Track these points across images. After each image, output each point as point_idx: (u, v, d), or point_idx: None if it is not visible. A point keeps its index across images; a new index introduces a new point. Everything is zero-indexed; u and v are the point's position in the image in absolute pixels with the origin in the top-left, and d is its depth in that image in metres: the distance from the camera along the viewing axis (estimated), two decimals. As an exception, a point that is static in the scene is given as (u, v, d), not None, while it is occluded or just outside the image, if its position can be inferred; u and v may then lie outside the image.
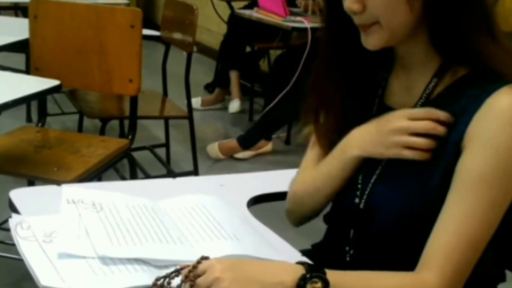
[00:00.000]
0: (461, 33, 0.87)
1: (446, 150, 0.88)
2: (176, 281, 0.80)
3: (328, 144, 1.02)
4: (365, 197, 0.96)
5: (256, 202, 1.16)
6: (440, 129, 0.88)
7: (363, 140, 0.95)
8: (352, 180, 0.98)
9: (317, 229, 1.12)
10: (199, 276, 0.79)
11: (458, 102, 0.88)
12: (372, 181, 0.95)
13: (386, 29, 0.89)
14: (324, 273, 0.80)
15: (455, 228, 0.84)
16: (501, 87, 0.85)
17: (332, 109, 1.01)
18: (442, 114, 0.89)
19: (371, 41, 0.91)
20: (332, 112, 1.01)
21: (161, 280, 0.81)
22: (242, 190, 1.16)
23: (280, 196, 1.15)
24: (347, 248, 0.98)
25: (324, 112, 1.02)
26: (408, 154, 0.90)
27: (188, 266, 0.81)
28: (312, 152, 1.06)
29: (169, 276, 0.81)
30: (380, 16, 0.88)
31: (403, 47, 0.94)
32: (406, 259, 0.89)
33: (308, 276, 0.80)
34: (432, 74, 0.92)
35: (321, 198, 1.03)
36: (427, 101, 0.92)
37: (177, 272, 0.81)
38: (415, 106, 0.93)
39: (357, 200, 0.97)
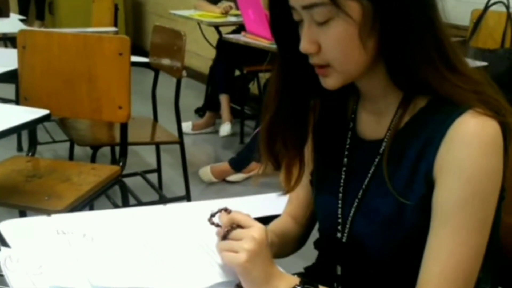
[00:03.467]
0: (416, 67, 0.86)
1: (417, 181, 0.88)
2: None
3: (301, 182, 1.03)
4: (346, 230, 0.96)
5: (247, 226, 1.15)
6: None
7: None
8: (330, 215, 0.98)
9: (311, 251, 1.12)
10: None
11: (425, 131, 0.88)
12: (351, 214, 0.96)
13: (340, 71, 0.89)
14: (317, 286, 0.82)
15: (444, 258, 0.85)
16: (463, 113, 0.85)
17: (300, 149, 1.00)
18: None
19: (328, 83, 0.91)
20: (299, 151, 1.00)
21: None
22: (233, 215, 1.16)
23: (270, 220, 1.15)
24: (335, 284, 0.99)
25: (292, 153, 1.01)
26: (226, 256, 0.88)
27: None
28: (289, 206, 1.13)
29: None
30: (333, 59, 0.88)
31: (363, 82, 0.94)
32: (396, 285, 0.90)
33: (300, 286, 0.84)
34: (397, 105, 0.92)
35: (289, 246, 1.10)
36: (394, 132, 0.92)
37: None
38: (384, 137, 0.93)
39: (339, 235, 0.97)
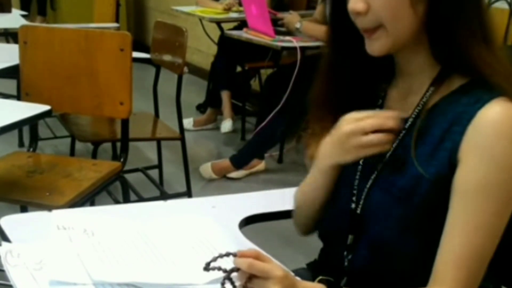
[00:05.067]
0: (460, 40, 0.88)
1: (439, 158, 0.89)
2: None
3: None
4: (361, 202, 0.97)
5: (248, 223, 1.16)
6: (390, 123, 0.93)
7: (330, 150, 0.99)
8: (346, 187, 0.99)
9: (313, 248, 1.12)
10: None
11: (453, 111, 0.89)
12: (368, 186, 0.96)
13: (390, 33, 0.90)
14: None
15: (462, 241, 0.86)
16: (494, 98, 0.86)
17: (334, 119, 1.01)
18: (390, 114, 0.93)
19: (375, 47, 0.92)
20: (333, 122, 1.01)
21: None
22: (234, 211, 1.16)
23: (271, 216, 1.15)
24: (345, 253, 0.99)
25: (323, 123, 1.03)
26: (365, 152, 0.94)
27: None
28: None
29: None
30: (384, 18, 0.89)
31: (403, 55, 0.95)
32: (404, 264, 0.91)
33: None
34: (430, 82, 0.93)
35: (315, 207, 1.05)
36: (422, 110, 0.93)
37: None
38: (411, 114, 0.94)
39: (353, 206, 0.98)
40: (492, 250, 0.88)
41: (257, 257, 0.83)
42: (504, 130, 0.85)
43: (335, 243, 1.02)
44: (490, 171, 0.85)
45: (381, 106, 1.01)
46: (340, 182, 1.03)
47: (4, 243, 0.96)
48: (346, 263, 0.99)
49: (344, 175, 1.01)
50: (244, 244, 1.04)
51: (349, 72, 1.00)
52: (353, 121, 0.95)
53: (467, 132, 0.86)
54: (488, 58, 0.89)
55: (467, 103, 0.88)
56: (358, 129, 0.94)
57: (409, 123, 0.94)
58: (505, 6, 2.99)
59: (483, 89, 0.88)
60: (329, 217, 1.05)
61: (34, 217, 1.10)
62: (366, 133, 0.93)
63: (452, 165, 0.88)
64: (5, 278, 0.87)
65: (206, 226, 1.05)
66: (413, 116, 0.94)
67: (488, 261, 0.88)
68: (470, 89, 0.90)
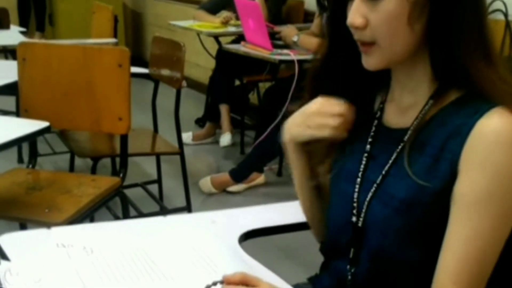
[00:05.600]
0: (460, 56, 0.89)
1: (440, 169, 0.89)
2: None
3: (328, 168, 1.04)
4: (362, 215, 0.96)
5: (247, 237, 1.15)
6: (351, 116, 0.98)
7: (292, 122, 1.04)
8: (345, 200, 0.99)
9: (314, 262, 1.11)
10: None
11: (452, 122, 0.90)
12: (368, 198, 0.96)
13: (384, 50, 0.91)
14: None
15: (463, 250, 0.86)
16: (492, 108, 0.86)
17: None
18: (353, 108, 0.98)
19: (371, 61, 0.93)
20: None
21: None
22: (233, 226, 1.16)
23: (271, 230, 1.15)
24: (348, 266, 0.98)
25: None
26: (322, 133, 0.99)
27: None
28: None
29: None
30: (380, 35, 0.90)
31: (402, 69, 0.95)
32: (407, 275, 0.91)
33: None
34: (429, 96, 0.93)
35: (309, 197, 1.09)
36: (422, 122, 0.93)
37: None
38: (410, 126, 0.94)
39: (354, 219, 0.97)
40: (495, 258, 0.88)
41: (244, 281, 0.83)
42: (504, 140, 0.85)
43: (337, 256, 1.02)
44: (491, 180, 0.85)
45: (379, 119, 1.01)
46: (338, 196, 1.03)
47: (3, 262, 0.95)
48: (349, 277, 0.98)
49: (342, 189, 1.01)
50: (244, 259, 1.03)
51: (344, 83, 1.00)
52: (323, 102, 0.99)
53: (467, 143, 0.87)
54: (488, 73, 0.89)
55: (466, 113, 0.88)
56: (324, 110, 0.98)
57: (407, 135, 0.94)
58: (501, 17, 3.00)
59: (481, 99, 0.88)
60: (330, 231, 1.04)
61: (33, 234, 1.10)
62: (330, 116, 0.98)
63: (453, 175, 0.88)
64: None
65: (205, 241, 1.04)
66: (412, 128, 0.94)
67: (490, 270, 0.88)
68: (468, 100, 0.90)
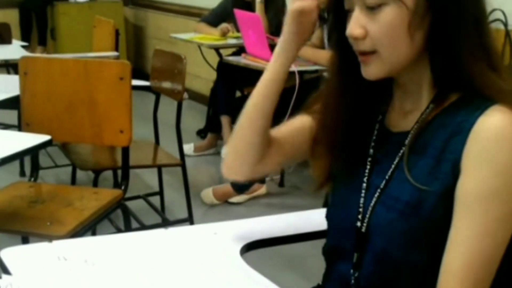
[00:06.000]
0: (462, 62, 0.89)
1: (442, 169, 0.89)
2: None
3: (326, 175, 1.04)
4: (366, 220, 0.96)
5: (249, 248, 1.15)
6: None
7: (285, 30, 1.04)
8: (351, 206, 0.99)
9: (316, 272, 1.11)
10: None
11: (453, 122, 0.90)
12: (372, 203, 0.96)
13: (384, 59, 0.91)
14: None
15: (468, 249, 0.85)
16: (493, 105, 0.86)
17: (335, 136, 1.02)
18: None
19: (370, 71, 0.93)
20: (334, 138, 1.02)
21: None
22: (235, 238, 1.16)
23: (273, 242, 1.14)
24: (351, 271, 0.98)
25: (324, 139, 1.04)
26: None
27: None
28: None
29: None
30: (380, 44, 0.90)
31: (403, 76, 0.96)
32: (410, 279, 0.90)
33: None
34: (429, 100, 0.94)
35: (261, 123, 1.16)
36: (422, 125, 0.93)
37: None
38: (411, 129, 0.94)
39: (358, 224, 0.97)
40: (499, 256, 0.87)
41: None
42: (505, 136, 0.85)
43: (339, 260, 1.02)
44: (493, 177, 0.85)
45: (381, 122, 1.01)
46: (342, 201, 1.03)
47: (4, 276, 0.95)
48: (352, 281, 0.98)
49: (347, 194, 1.01)
50: (246, 271, 1.03)
51: (352, 94, 1.00)
52: None
53: (468, 140, 0.87)
54: (490, 78, 0.89)
55: (467, 112, 0.88)
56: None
57: (409, 138, 0.94)
58: (501, 26, 3.01)
59: (482, 98, 0.88)
60: (334, 235, 1.04)
61: (35, 248, 1.10)
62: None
63: (455, 175, 0.88)
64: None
65: (207, 253, 1.04)
66: (412, 132, 0.94)
67: (495, 268, 0.87)
68: (468, 99, 0.90)
